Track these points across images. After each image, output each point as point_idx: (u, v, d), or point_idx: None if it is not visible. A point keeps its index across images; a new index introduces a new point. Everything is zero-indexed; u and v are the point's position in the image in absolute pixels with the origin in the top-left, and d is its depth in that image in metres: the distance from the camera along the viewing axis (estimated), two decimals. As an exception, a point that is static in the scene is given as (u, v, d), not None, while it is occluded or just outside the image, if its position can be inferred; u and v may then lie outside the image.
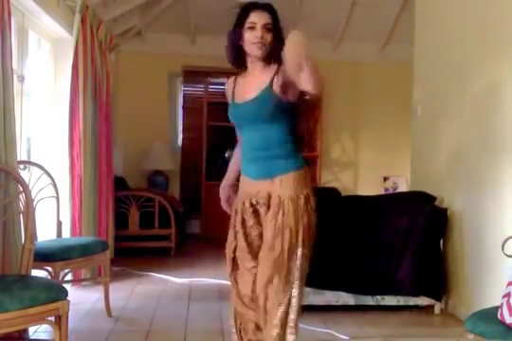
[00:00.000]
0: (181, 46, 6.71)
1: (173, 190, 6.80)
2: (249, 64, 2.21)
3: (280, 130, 2.16)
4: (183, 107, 6.97)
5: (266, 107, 2.13)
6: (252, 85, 2.18)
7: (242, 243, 2.21)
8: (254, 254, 2.18)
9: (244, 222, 2.22)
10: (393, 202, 3.87)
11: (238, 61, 2.21)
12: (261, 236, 2.19)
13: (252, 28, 2.11)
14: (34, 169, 3.42)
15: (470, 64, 3.56)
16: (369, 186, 6.99)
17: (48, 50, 4.33)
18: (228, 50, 2.22)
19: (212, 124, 6.59)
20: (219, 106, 6.78)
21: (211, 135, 6.66)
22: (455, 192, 3.70)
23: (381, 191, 6.90)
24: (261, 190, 2.17)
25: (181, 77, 6.90)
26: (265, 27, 2.11)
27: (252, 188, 2.20)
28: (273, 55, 2.14)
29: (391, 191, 6.99)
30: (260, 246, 2.18)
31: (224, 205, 2.43)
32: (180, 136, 7.01)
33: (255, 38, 2.11)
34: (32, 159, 3.87)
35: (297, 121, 2.23)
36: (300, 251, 2.09)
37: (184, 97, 7.00)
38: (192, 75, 6.85)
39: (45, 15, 3.78)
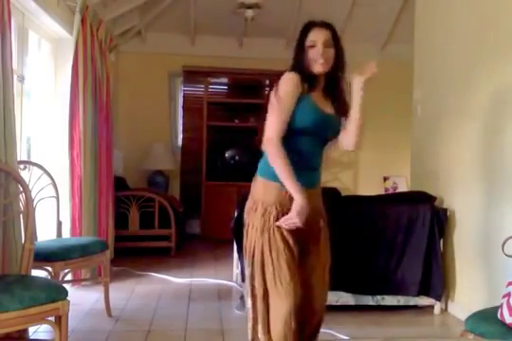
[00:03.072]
0: (181, 46, 6.71)
1: (173, 190, 6.80)
2: (317, 85, 2.19)
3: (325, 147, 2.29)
4: (183, 107, 6.97)
5: (340, 123, 2.23)
6: (324, 103, 2.20)
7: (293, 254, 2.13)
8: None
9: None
10: (393, 202, 3.87)
11: (305, 80, 2.14)
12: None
13: (313, 47, 2.13)
14: (34, 169, 3.42)
15: (470, 64, 3.56)
16: (369, 186, 7.00)
17: (48, 50, 4.33)
18: (298, 68, 2.16)
19: (212, 124, 6.59)
20: (219, 106, 6.81)
21: (211, 135, 6.66)
22: (455, 192, 3.70)
23: (381, 191, 6.90)
24: (311, 200, 2.12)
25: (181, 77, 6.90)
26: (326, 44, 2.13)
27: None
28: (336, 73, 2.19)
29: (391, 191, 6.99)
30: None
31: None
32: (180, 136, 7.01)
33: (316, 55, 2.11)
34: (32, 159, 3.87)
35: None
36: None
37: (184, 97, 7.00)
38: (191, 75, 6.85)
39: (45, 15, 3.78)
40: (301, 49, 2.15)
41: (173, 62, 6.66)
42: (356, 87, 2.18)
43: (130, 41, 6.49)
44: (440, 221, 3.62)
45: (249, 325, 2.19)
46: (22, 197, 2.69)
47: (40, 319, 2.18)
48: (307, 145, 2.17)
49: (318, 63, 2.12)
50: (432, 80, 4.17)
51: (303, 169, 2.14)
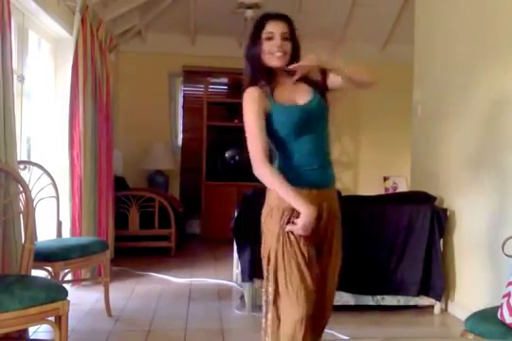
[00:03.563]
0: (181, 46, 6.71)
1: (173, 190, 6.81)
2: (277, 78, 2.10)
3: (328, 138, 2.15)
4: (183, 107, 6.97)
5: (324, 106, 2.11)
6: (296, 93, 2.10)
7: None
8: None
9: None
10: (393, 202, 3.87)
11: (258, 75, 2.08)
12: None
13: (270, 39, 2.04)
14: (34, 169, 3.42)
15: (470, 64, 3.56)
16: (369, 186, 7.00)
17: (48, 50, 4.33)
18: (248, 65, 2.11)
19: (212, 124, 6.59)
20: (219, 106, 6.80)
21: (211, 135, 6.66)
22: (455, 192, 3.70)
23: (381, 191, 6.90)
24: (325, 201, 2.09)
25: (181, 77, 6.91)
26: (283, 37, 2.04)
27: (314, 198, 2.04)
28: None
29: (391, 191, 6.99)
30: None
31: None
32: (180, 136, 7.01)
33: (274, 47, 2.03)
34: (32, 159, 3.87)
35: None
36: None
37: (184, 97, 7.01)
38: (191, 75, 6.85)
39: (45, 15, 3.78)
40: (256, 42, 2.06)
41: (173, 63, 6.66)
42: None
43: (130, 41, 6.49)
44: (440, 221, 3.62)
45: (262, 333, 2.14)
46: (22, 197, 2.69)
47: (40, 319, 2.18)
48: (305, 145, 2.08)
49: (274, 57, 2.04)
50: (432, 81, 4.17)
51: (310, 170, 2.08)
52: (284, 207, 2.03)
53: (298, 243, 2.03)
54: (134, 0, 5.34)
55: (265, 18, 2.07)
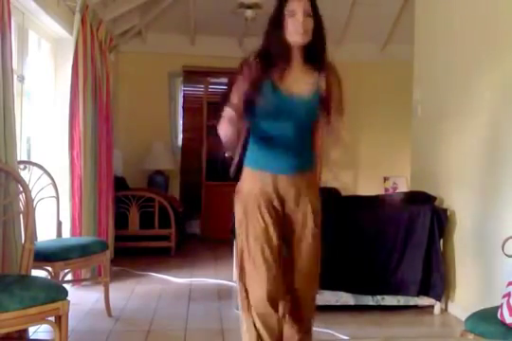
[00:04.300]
0: (181, 46, 6.71)
1: (173, 190, 6.80)
2: (290, 57, 2.09)
3: (310, 128, 2.22)
4: (183, 107, 6.97)
5: (315, 110, 2.15)
6: (299, 83, 2.11)
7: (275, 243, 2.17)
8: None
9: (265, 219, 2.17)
10: (393, 202, 3.87)
11: (279, 51, 2.06)
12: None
13: (292, 16, 2.03)
14: (34, 169, 3.42)
15: (470, 64, 3.56)
16: (369, 186, 6.99)
17: (48, 50, 4.33)
18: (270, 41, 2.08)
19: (212, 124, 6.58)
20: (219, 106, 6.79)
21: (211, 135, 6.65)
22: (455, 192, 3.70)
23: (381, 191, 6.90)
24: (292, 185, 2.18)
25: (181, 77, 6.90)
26: (306, 14, 2.04)
27: (278, 183, 2.18)
28: (315, 45, 2.09)
29: (391, 191, 6.99)
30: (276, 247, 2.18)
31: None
32: (180, 136, 7.01)
33: (297, 24, 2.02)
34: (32, 159, 3.86)
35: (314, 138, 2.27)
36: None
37: (184, 97, 7.00)
38: (191, 75, 6.85)
39: (45, 15, 3.78)
40: (278, 19, 2.05)
41: (173, 63, 6.66)
42: None
43: (130, 41, 6.48)
44: (440, 221, 3.62)
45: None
46: (22, 197, 2.69)
47: (40, 319, 2.17)
48: (277, 130, 2.16)
49: (298, 34, 2.03)
50: (432, 80, 4.17)
51: (275, 154, 2.17)
52: (246, 189, 2.20)
53: (265, 226, 2.14)
54: (134, 0, 5.34)
55: None
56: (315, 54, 2.10)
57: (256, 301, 2.13)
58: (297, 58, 2.11)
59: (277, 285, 2.14)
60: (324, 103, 2.13)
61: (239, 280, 2.20)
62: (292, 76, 2.11)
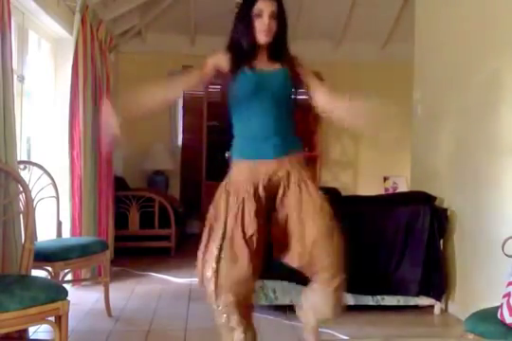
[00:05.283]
0: (181, 46, 6.71)
1: (173, 190, 6.80)
2: (258, 53, 2.25)
3: (289, 118, 2.28)
4: (183, 107, 6.96)
5: (289, 83, 2.25)
6: (267, 67, 2.25)
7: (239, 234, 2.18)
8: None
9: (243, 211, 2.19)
10: (393, 202, 3.87)
11: (248, 48, 2.22)
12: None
13: (259, 16, 2.18)
14: (34, 169, 3.42)
15: (470, 64, 3.56)
16: (369, 186, 6.99)
17: (48, 50, 4.33)
18: (235, 38, 2.25)
19: (212, 124, 6.58)
20: (219, 106, 6.80)
21: (211, 135, 6.65)
22: (455, 192, 3.70)
23: (381, 191, 6.90)
24: (278, 169, 2.21)
25: (181, 77, 6.89)
26: (272, 15, 2.18)
27: (262, 168, 2.22)
28: (278, 44, 2.23)
29: (391, 191, 6.99)
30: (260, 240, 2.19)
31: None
32: (180, 136, 7.01)
33: (262, 25, 2.17)
34: (32, 159, 3.86)
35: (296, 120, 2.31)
36: None
37: (184, 97, 6.99)
38: (191, 75, 6.83)
39: (45, 15, 3.78)
40: (246, 17, 2.20)
41: (173, 62, 6.65)
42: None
43: (130, 41, 6.48)
44: (440, 221, 3.62)
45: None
46: (22, 197, 2.69)
47: (40, 319, 2.18)
48: (251, 115, 2.24)
49: (262, 34, 2.18)
50: (433, 80, 4.17)
51: (256, 140, 2.23)
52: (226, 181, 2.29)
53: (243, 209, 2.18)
54: (134, 0, 5.34)
55: None
56: (277, 52, 2.25)
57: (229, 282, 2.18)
58: (262, 54, 2.26)
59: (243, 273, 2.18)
60: (295, 79, 2.26)
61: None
62: (260, 64, 2.26)
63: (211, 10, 6.04)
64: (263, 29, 2.17)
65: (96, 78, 4.42)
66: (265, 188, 2.22)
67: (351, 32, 6.66)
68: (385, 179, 7.17)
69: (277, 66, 2.26)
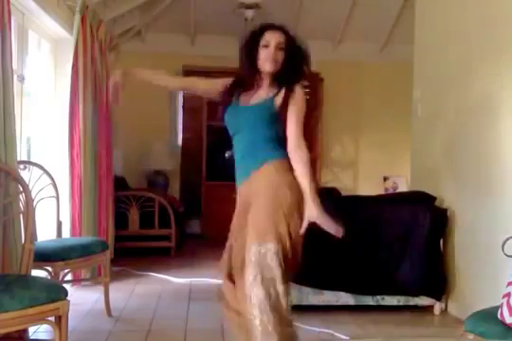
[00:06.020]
0: (181, 46, 6.71)
1: (173, 190, 6.80)
2: (259, 81, 2.33)
3: (266, 134, 2.29)
4: (183, 107, 6.96)
5: (265, 113, 2.28)
6: (257, 96, 2.33)
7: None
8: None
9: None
10: (393, 202, 3.87)
11: (250, 76, 2.33)
12: None
13: (266, 47, 2.27)
14: (34, 169, 3.42)
15: (470, 64, 3.56)
16: (369, 186, 6.99)
17: (48, 50, 4.33)
18: (244, 66, 2.35)
19: (212, 124, 6.59)
20: (219, 106, 6.79)
21: (211, 135, 6.66)
22: (455, 192, 3.70)
23: (381, 191, 6.90)
24: (245, 190, 2.30)
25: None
26: (278, 47, 2.27)
27: (241, 192, 2.34)
28: (283, 73, 2.29)
29: (391, 191, 6.99)
30: None
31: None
32: (180, 136, 7.01)
33: (268, 55, 2.25)
34: (32, 159, 3.86)
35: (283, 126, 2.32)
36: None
37: (184, 97, 7.00)
38: (191, 75, 6.80)
39: (45, 15, 3.78)
40: (253, 47, 2.29)
41: (173, 62, 6.65)
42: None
43: (130, 41, 6.48)
44: (440, 221, 3.62)
45: None
46: (22, 197, 2.69)
47: (40, 319, 2.18)
48: (237, 144, 2.36)
49: (267, 63, 2.27)
50: (432, 80, 4.17)
51: (237, 166, 2.35)
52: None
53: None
54: (134, 0, 5.34)
55: (265, 28, 2.31)
56: (282, 81, 2.29)
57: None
58: (266, 83, 2.33)
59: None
60: (280, 109, 2.27)
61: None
62: (254, 93, 2.34)
63: (211, 10, 6.05)
64: (268, 58, 2.25)
65: (96, 78, 4.42)
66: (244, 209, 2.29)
67: (351, 32, 6.67)
68: (385, 179, 7.17)
69: (268, 95, 2.29)
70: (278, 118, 2.26)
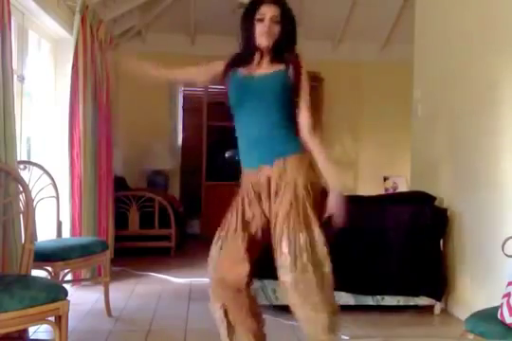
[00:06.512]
0: (181, 46, 6.71)
1: (173, 190, 6.80)
2: (257, 58, 2.29)
3: (280, 115, 2.25)
4: (183, 107, 6.96)
5: (281, 83, 2.24)
6: (263, 70, 2.27)
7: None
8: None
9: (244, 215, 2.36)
10: (393, 202, 3.87)
11: (248, 52, 2.30)
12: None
13: (261, 20, 2.24)
14: (34, 169, 3.42)
15: (470, 64, 3.56)
16: (369, 186, 6.99)
17: (48, 50, 4.33)
18: (242, 42, 2.33)
19: (212, 124, 6.59)
20: (219, 106, 6.80)
21: (211, 135, 6.66)
22: (455, 192, 3.70)
23: (381, 191, 6.90)
24: (261, 177, 2.25)
25: (181, 77, 6.89)
26: (273, 20, 2.24)
27: (254, 176, 2.27)
28: (280, 47, 2.26)
29: (391, 191, 6.99)
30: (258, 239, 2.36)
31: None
32: (180, 136, 7.01)
33: (263, 28, 2.23)
34: (32, 159, 3.86)
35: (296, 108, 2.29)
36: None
37: (184, 97, 7.00)
38: (191, 75, 6.83)
39: (45, 15, 3.78)
40: (249, 22, 2.27)
41: (173, 63, 6.60)
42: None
43: (130, 41, 6.48)
44: (440, 221, 3.62)
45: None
46: (22, 197, 2.69)
47: (40, 319, 2.17)
48: (241, 119, 2.29)
49: (263, 37, 2.24)
50: (432, 80, 4.17)
51: (246, 148, 2.29)
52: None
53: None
54: (134, 0, 5.34)
55: (260, 1, 2.28)
56: (281, 54, 2.27)
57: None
58: (266, 58, 2.29)
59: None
60: (294, 84, 2.25)
61: None
62: (259, 70, 2.30)
63: (211, 10, 6.05)
64: (263, 32, 2.22)
65: (96, 78, 4.42)
66: (255, 193, 2.28)
67: (351, 32, 6.67)
68: (385, 179, 7.17)
69: (275, 69, 2.26)
70: (290, 94, 2.24)
